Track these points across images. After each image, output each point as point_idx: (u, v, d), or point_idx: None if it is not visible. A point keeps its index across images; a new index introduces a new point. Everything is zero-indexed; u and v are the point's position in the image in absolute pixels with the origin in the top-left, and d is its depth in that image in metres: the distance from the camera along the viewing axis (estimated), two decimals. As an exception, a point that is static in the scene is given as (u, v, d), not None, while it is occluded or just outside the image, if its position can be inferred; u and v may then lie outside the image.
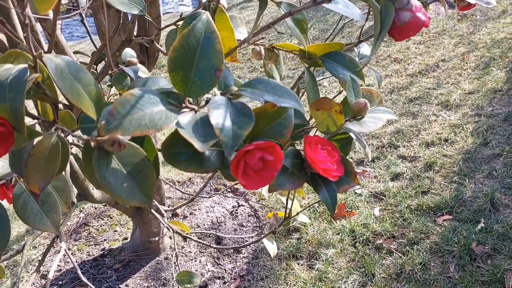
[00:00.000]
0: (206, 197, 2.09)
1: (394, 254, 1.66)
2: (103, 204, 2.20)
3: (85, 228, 2.04)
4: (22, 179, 0.48)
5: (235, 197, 2.12)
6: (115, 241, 1.92)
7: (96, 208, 2.20)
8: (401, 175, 2.12)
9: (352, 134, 0.42)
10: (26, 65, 0.33)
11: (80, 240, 1.95)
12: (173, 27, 0.59)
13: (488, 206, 1.77)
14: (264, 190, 1.17)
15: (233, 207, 2.07)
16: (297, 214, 0.95)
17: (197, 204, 2.09)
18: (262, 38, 0.60)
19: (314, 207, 1.98)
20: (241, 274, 1.69)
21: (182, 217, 2.02)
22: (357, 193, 2.06)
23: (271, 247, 1.03)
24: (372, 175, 2.18)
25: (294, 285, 1.61)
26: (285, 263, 1.70)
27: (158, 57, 1.33)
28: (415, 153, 2.25)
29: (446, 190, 1.94)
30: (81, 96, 0.34)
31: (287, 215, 0.85)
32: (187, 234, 0.99)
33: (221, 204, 2.09)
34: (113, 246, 1.89)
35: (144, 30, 1.27)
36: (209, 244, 0.98)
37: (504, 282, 1.44)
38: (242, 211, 2.03)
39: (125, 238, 1.93)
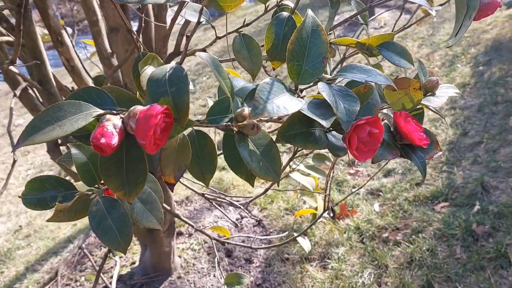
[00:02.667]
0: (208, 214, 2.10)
1: (401, 244, 1.73)
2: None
3: (89, 258, 1.99)
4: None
5: (237, 210, 2.14)
6: (122, 267, 1.89)
7: (95, 237, 2.15)
8: (393, 170, 2.21)
9: (431, 107, 0.48)
10: (174, 64, 0.37)
11: (86, 271, 1.91)
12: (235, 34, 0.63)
13: (480, 190, 1.88)
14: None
15: (237, 219, 2.09)
16: (323, 212, 1.00)
17: (200, 221, 2.09)
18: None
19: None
20: (257, 283, 1.71)
21: (187, 235, 2.01)
22: (354, 192, 2.13)
23: (305, 243, 1.07)
24: (365, 174, 2.26)
25: (312, 286, 1.64)
26: (299, 267, 1.73)
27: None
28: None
29: (438, 179, 2.04)
30: (222, 85, 0.38)
31: (327, 206, 0.89)
32: (226, 239, 1.01)
33: (223, 218, 2.10)
34: (122, 272, 1.86)
35: (151, 49, 1.30)
36: (249, 245, 1.00)
37: (508, 256, 1.53)
38: (247, 222, 2.05)
39: (133, 263, 1.91)
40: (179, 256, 1.87)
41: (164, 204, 0.96)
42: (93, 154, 0.47)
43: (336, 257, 1.73)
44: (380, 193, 2.07)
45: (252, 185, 0.49)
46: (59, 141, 1.35)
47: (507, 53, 3.06)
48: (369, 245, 1.77)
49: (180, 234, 2.02)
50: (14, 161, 0.91)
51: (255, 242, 1.89)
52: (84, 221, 2.27)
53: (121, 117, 0.36)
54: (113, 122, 0.35)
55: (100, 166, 0.37)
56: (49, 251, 2.11)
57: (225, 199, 0.85)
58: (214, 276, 1.76)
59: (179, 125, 0.37)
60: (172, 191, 0.45)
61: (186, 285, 1.74)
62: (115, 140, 0.34)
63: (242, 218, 2.10)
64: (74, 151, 0.46)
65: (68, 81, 1.31)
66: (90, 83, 1.13)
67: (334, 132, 0.46)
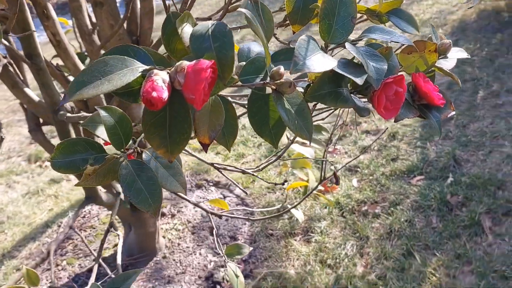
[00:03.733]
0: (190, 201, 2.10)
1: (381, 216, 1.80)
2: (81, 216, 2.13)
3: (70, 242, 1.95)
4: (147, 148, 0.51)
5: (219, 189, 2.15)
6: (106, 250, 1.86)
7: (76, 221, 2.11)
8: (370, 148, 2.28)
9: (445, 69, 0.51)
10: (216, 21, 0.37)
11: (67, 255, 1.87)
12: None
13: (452, 163, 1.98)
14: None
15: (220, 199, 2.10)
16: (322, 180, 1.03)
17: (182, 202, 2.09)
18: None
19: (297, 188, 2.08)
20: (243, 259, 1.74)
21: (169, 215, 2.01)
22: (332, 169, 2.18)
23: (299, 214, 1.10)
24: (342, 152, 2.32)
25: (297, 259, 1.69)
26: (283, 241, 1.78)
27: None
28: (377, 126, 2.43)
29: (412, 154, 2.13)
30: (263, 39, 0.39)
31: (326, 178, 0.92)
32: (222, 212, 1.03)
33: (206, 198, 2.11)
34: (105, 254, 1.84)
35: (135, 25, 1.27)
36: (247, 218, 1.02)
37: (482, 224, 1.64)
38: (230, 201, 2.07)
39: (116, 245, 1.89)
40: (163, 237, 1.87)
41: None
42: (121, 117, 0.46)
43: (319, 231, 1.79)
44: (358, 169, 2.13)
45: (276, 147, 0.50)
46: (41, 121, 1.31)
47: (472, 33, 3.18)
48: (349, 218, 1.83)
49: (163, 215, 2.01)
50: (2, 139, 0.88)
51: (239, 220, 1.92)
52: (61, 205, 2.22)
53: (168, 72, 0.36)
54: (162, 77, 0.35)
55: (144, 123, 0.38)
56: (26, 237, 2.05)
57: (236, 168, 0.85)
58: (200, 254, 1.78)
59: (221, 82, 0.38)
60: (206, 152, 0.45)
61: (172, 264, 1.74)
62: (165, 94, 0.34)
63: (224, 197, 2.12)
64: (103, 113, 0.45)
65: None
66: (76, 59, 1.10)
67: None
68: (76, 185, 0.46)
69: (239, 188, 0.95)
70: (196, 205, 1.01)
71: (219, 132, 0.43)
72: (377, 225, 1.77)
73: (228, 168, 0.86)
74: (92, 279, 0.71)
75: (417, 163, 2.05)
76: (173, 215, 2.01)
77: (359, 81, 0.41)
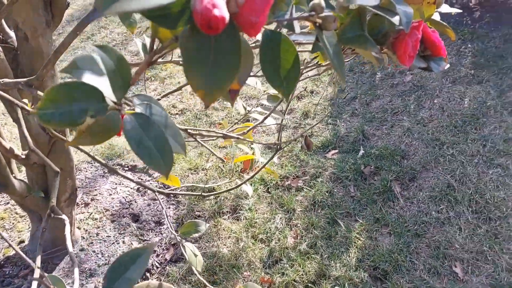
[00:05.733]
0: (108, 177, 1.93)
1: (304, 189, 1.87)
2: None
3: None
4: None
5: (137, 174, 2.01)
6: (9, 248, 1.62)
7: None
8: (285, 126, 2.35)
9: (441, 21, 0.52)
10: None
11: (-43, 259, 1.58)
12: None
13: (361, 137, 2.14)
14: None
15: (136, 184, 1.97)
16: (277, 150, 1.02)
17: (96, 189, 1.91)
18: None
19: (220, 167, 2.05)
20: (172, 242, 1.66)
21: (83, 204, 1.82)
22: (253, 148, 2.19)
23: (249, 189, 1.08)
24: (260, 131, 2.35)
25: (229, 237, 1.67)
26: (213, 221, 1.74)
27: (64, 14, 1.16)
28: (291, 106, 2.50)
29: (326, 131, 2.25)
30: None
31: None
32: (172, 190, 0.95)
33: (122, 183, 1.96)
34: (9, 253, 1.59)
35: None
36: (200, 193, 0.96)
37: (393, 190, 1.80)
38: (150, 185, 1.95)
39: (22, 241, 1.65)
40: (78, 228, 1.69)
41: (54, 166, 0.85)
42: (120, 58, 0.39)
43: (247, 208, 1.79)
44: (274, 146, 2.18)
45: (287, 99, 0.47)
46: None
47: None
48: (275, 193, 1.86)
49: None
50: None
51: (163, 203, 1.82)
52: None
53: (221, -10, 0.30)
54: (217, -6, 0.29)
55: (185, 54, 0.31)
56: None
57: (216, 132, 0.78)
58: (123, 242, 1.65)
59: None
60: (233, 102, 0.39)
61: (92, 256, 1.59)
62: (227, 13, 0.28)
63: (143, 181, 1.99)
64: (101, 53, 0.37)
65: None
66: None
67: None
68: (68, 144, 0.37)
69: (216, 156, 0.89)
70: (141, 184, 0.92)
71: (249, 75, 0.39)
72: (301, 198, 1.84)
73: (204, 133, 0.79)
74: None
75: (330, 138, 2.17)
76: (86, 204, 1.82)
77: (396, 22, 0.40)
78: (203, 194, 0.96)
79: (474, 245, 1.53)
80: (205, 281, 0.91)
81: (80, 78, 0.40)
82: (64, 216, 0.71)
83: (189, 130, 0.74)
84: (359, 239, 1.60)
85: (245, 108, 0.98)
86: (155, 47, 0.46)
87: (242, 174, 2.02)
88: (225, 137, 0.81)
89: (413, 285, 1.42)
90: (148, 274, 1.54)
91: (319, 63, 0.80)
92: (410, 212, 1.70)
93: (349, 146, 2.11)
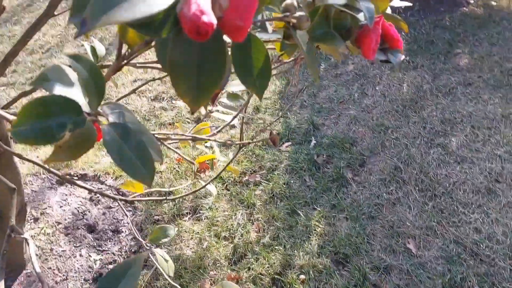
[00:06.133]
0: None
1: (262, 183, 1.90)
2: None
3: None
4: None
5: (88, 182, 1.93)
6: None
7: None
8: (237, 123, 2.35)
9: (394, 15, 0.56)
10: None
11: None
12: None
13: (311, 128, 2.21)
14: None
15: (89, 193, 1.89)
16: (244, 145, 1.02)
17: (44, 202, 1.81)
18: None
19: (176, 168, 2.02)
20: (133, 250, 1.62)
21: (32, 219, 1.72)
22: (208, 147, 2.18)
23: (213, 189, 1.08)
24: (213, 128, 2.34)
25: (191, 238, 1.65)
26: (173, 224, 1.71)
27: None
28: (240, 101, 2.51)
29: (277, 124, 2.29)
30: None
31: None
32: (134, 197, 0.93)
33: (73, 194, 1.87)
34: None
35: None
36: (165, 198, 0.95)
37: (346, 176, 1.88)
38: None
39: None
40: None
41: (10, 183, 0.81)
42: (93, 67, 0.38)
43: (207, 207, 1.78)
44: (231, 143, 2.19)
45: (261, 99, 0.48)
46: None
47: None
48: (233, 190, 1.87)
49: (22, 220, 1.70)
50: None
51: (119, 211, 1.76)
52: None
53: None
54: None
55: (172, 61, 0.31)
56: None
57: (185, 135, 0.76)
58: (80, 255, 1.58)
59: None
60: (214, 105, 0.40)
61: (49, 273, 1.51)
62: (215, 19, 0.29)
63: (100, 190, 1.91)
64: (75, 63, 0.36)
65: None
66: None
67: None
68: (45, 162, 0.36)
69: (186, 159, 0.87)
70: (102, 194, 0.88)
71: (228, 78, 0.39)
72: (260, 192, 1.86)
73: (174, 137, 0.77)
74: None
75: (283, 131, 2.22)
76: (36, 219, 1.72)
77: (361, 18, 0.42)
78: (167, 198, 0.95)
79: (423, 222, 1.64)
80: (177, 286, 0.90)
81: (52, 91, 0.39)
82: (27, 235, 0.67)
83: (156, 135, 0.73)
84: (318, 227, 1.66)
85: (205, 108, 0.97)
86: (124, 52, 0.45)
87: (198, 174, 2.00)
88: (194, 139, 0.80)
89: (372, 265, 1.50)
90: (110, 285, 1.49)
91: (280, 59, 0.81)
92: (363, 195, 1.78)
93: (301, 137, 2.16)
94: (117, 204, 1.84)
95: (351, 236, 1.60)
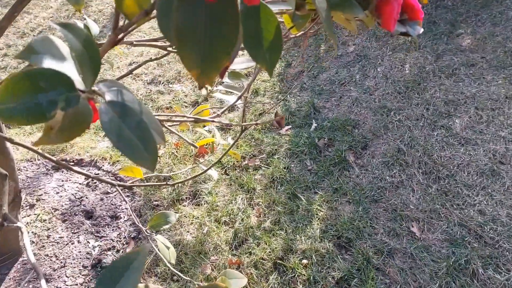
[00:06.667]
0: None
1: (261, 168, 1.86)
2: None
3: None
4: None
5: (85, 168, 1.89)
6: None
7: None
8: (236, 106, 2.31)
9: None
10: None
11: None
12: None
13: (312, 111, 2.16)
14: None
15: (86, 178, 1.85)
16: (246, 127, 0.98)
17: (40, 189, 1.77)
18: None
19: (174, 153, 1.98)
20: (132, 236, 1.59)
21: (27, 206, 1.68)
22: (207, 130, 2.14)
23: (214, 173, 1.05)
24: (211, 112, 2.29)
25: (191, 223, 1.63)
26: (172, 210, 1.69)
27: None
28: (238, 84, 2.46)
29: (277, 107, 2.24)
30: None
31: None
32: (132, 183, 0.89)
33: (70, 180, 1.83)
34: None
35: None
36: (165, 183, 0.91)
37: (348, 160, 1.84)
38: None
39: (-39, 255, 1.49)
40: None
41: (1, 170, 0.77)
42: (87, 39, 0.33)
43: (207, 192, 1.75)
44: (230, 127, 2.15)
45: (271, 75, 0.43)
46: None
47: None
48: (233, 175, 1.84)
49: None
50: None
51: (120, 195, 1.73)
52: None
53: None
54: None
55: (177, 27, 0.27)
56: None
57: (188, 117, 0.72)
58: (78, 242, 1.55)
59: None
60: (223, 78, 0.35)
61: (46, 260, 1.48)
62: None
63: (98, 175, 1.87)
64: (66, 32, 0.31)
65: None
66: None
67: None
68: (35, 144, 0.32)
69: (188, 142, 0.83)
70: (98, 179, 0.84)
71: (239, 48, 0.35)
72: (260, 176, 1.83)
73: (175, 118, 0.73)
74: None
75: (282, 114, 2.17)
76: (32, 206, 1.68)
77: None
78: (167, 183, 0.91)
79: (427, 205, 1.62)
80: (179, 273, 0.87)
81: (40, 65, 0.34)
82: (20, 224, 0.63)
83: (157, 117, 0.68)
84: (320, 211, 1.63)
85: (206, 88, 0.93)
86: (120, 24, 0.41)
87: (197, 158, 1.97)
88: (196, 120, 0.76)
89: (376, 249, 1.48)
90: (110, 272, 1.46)
91: (287, 35, 0.76)
92: (365, 179, 1.75)
93: (301, 120, 2.12)
94: (114, 189, 1.80)
95: (354, 220, 1.58)
